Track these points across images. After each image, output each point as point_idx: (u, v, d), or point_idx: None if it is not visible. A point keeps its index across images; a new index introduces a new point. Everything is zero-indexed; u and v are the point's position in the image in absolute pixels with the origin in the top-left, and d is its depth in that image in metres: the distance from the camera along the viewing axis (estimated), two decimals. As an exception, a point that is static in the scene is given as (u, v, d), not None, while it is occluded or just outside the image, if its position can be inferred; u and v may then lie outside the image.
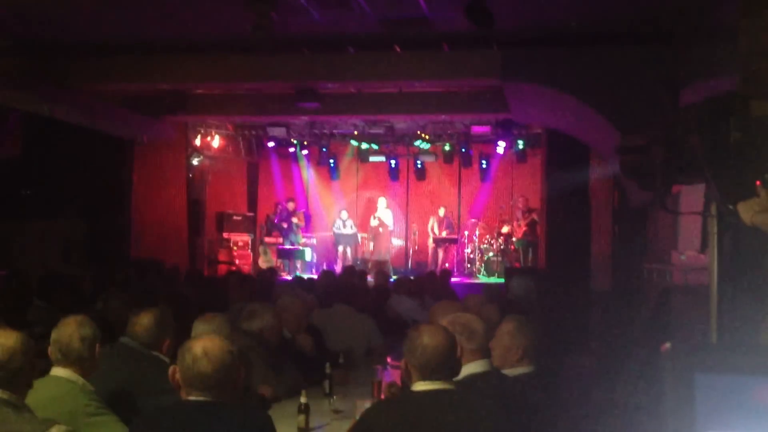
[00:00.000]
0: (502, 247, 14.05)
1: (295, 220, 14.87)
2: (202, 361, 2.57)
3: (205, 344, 2.63)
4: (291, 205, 15.02)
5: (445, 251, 14.80)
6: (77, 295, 6.15)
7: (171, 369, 2.69)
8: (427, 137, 14.30)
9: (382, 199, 15.06)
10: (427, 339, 2.79)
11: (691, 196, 4.85)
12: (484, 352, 3.34)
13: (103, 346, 3.31)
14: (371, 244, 14.72)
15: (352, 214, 15.37)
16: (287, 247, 14.51)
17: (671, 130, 3.01)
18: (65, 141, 10.36)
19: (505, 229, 14.26)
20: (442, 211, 14.99)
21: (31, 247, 9.80)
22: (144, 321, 3.63)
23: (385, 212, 14.87)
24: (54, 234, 10.42)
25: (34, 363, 2.77)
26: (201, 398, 2.59)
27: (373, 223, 14.74)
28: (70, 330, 3.15)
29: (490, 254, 14.16)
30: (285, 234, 14.65)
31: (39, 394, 2.88)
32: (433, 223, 14.94)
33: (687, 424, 1.15)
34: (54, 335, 3.15)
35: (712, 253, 3.29)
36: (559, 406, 3.85)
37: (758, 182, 2.49)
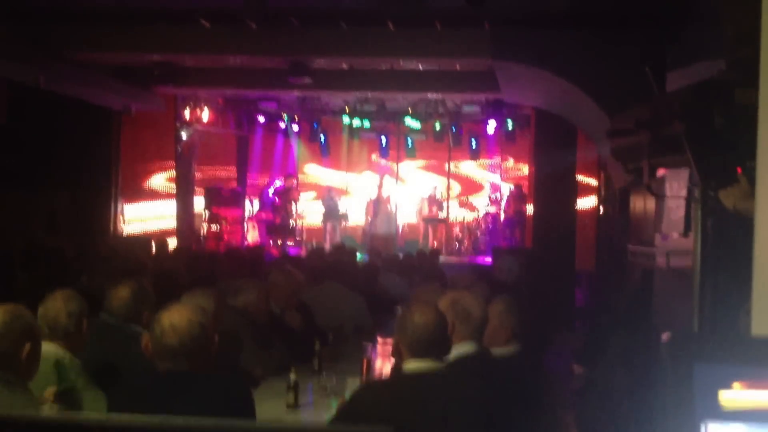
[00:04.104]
0: (489, 226, 14.10)
1: (285, 195, 14.82)
2: (169, 333, 2.58)
3: (172, 316, 2.63)
4: (280, 181, 14.97)
5: (434, 230, 14.84)
6: (61, 268, 6.10)
7: (144, 338, 2.70)
8: (418, 115, 14.27)
9: (387, 176, 15.12)
10: (417, 317, 2.83)
11: (676, 180, 4.89)
12: (475, 335, 3.37)
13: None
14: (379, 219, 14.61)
15: (341, 190, 15.33)
16: (277, 223, 14.48)
17: (656, 114, 3.04)
18: (52, 110, 10.23)
19: (493, 209, 14.29)
20: (431, 190, 15.00)
21: (14, 218, 9.68)
22: (121, 294, 3.55)
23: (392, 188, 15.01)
24: (38, 205, 10.32)
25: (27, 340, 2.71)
26: (172, 369, 2.60)
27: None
28: (57, 305, 3.14)
29: (478, 233, 14.20)
30: (275, 210, 14.62)
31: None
32: (422, 204, 14.96)
33: (686, 413, 1.16)
34: (41, 310, 3.14)
35: (696, 237, 3.32)
36: (544, 385, 3.91)
37: (739, 169, 2.51)
